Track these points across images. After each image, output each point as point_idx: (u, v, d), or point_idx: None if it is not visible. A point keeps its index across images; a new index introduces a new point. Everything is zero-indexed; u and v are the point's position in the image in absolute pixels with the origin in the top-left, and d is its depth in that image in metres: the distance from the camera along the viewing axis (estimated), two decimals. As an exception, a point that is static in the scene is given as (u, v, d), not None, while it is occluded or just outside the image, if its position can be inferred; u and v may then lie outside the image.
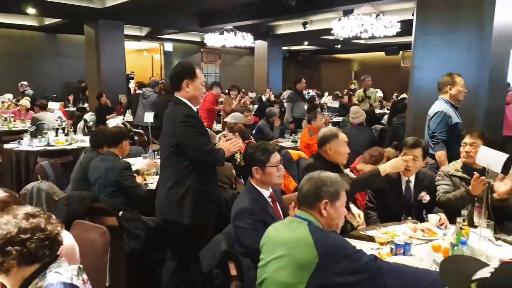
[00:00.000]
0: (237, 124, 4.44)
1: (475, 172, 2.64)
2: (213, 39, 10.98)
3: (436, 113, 3.65)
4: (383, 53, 16.71)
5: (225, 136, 3.84)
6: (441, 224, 2.69)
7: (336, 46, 16.33)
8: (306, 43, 15.56)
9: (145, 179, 3.84)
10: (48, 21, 12.18)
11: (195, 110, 2.79)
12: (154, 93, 7.92)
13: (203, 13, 11.30)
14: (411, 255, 2.23)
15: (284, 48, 16.10)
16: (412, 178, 3.02)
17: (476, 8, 4.20)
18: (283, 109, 8.76)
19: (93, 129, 8.66)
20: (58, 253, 1.48)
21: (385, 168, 2.72)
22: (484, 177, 2.59)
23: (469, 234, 2.28)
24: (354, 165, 5.06)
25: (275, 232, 1.90)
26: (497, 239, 2.51)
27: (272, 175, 2.41)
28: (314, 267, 1.65)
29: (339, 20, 8.40)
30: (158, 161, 4.37)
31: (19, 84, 11.14)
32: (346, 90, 13.22)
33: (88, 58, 10.81)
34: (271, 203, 2.45)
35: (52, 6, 9.41)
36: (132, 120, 8.58)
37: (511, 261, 1.10)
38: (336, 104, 10.49)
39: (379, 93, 9.55)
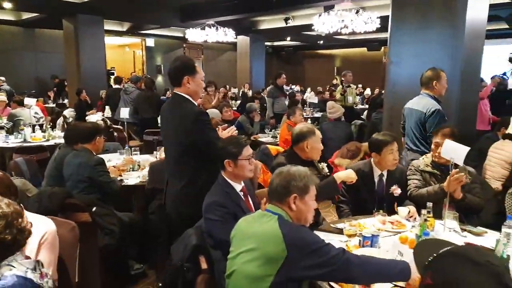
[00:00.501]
0: (213, 120, 4.43)
1: (453, 170, 2.72)
2: (194, 34, 10.90)
3: (434, 111, 3.57)
4: (365, 48, 16.87)
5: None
6: (410, 217, 2.76)
7: (318, 42, 16.39)
8: (288, 38, 15.58)
9: (120, 175, 3.82)
10: (26, 15, 11.94)
11: (196, 105, 2.80)
12: (137, 89, 7.84)
13: (185, 8, 11.22)
14: (379, 247, 2.27)
15: (267, 43, 16.12)
16: (385, 172, 3.08)
17: (448, 5, 4.28)
18: (265, 104, 8.78)
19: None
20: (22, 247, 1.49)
21: (339, 176, 2.82)
22: (462, 174, 2.67)
23: (434, 226, 2.33)
24: (332, 159, 5.13)
25: (245, 225, 1.92)
26: (463, 230, 2.58)
27: (244, 168, 2.43)
28: (282, 261, 1.68)
29: (320, 16, 8.42)
30: (135, 157, 4.38)
31: (-4, 80, 10.92)
32: (328, 86, 13.30)
33: (67, 53, 10.63)
34: (243, 197, 2.47)
35: (29, 0, 9.24)
36: (111, 116, 8.49)
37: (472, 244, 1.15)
38: (316, 100, 10.56)
39: (367, 91, 9.65)
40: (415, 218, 2.72)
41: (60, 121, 8.73)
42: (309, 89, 14.80)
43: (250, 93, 12.20)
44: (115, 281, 3.40)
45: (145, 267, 3.60)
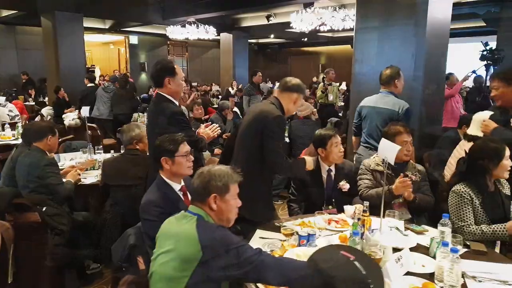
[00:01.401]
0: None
1: (401, 174, 2.75)
2: (175, 32, 10.85)
3: (407, 109, 3.59)
4: (349, 46, 16.88)
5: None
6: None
7: (302, 39, 16.39)
8: (272, 36, 15.57)
9: (79, 174, 3.79)
10: (6, 12, 11.78)
11: (177, 104, 2.99)
12: (116, 87, 7.82)
13: (166, 5, 11.16)
14: (315, 245, 2.28)
15: (252, 41, 16.10)
16: (333, 167, 3.10)
17: (410, 3, 4.29)
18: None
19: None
20: None
21: (308, 160, 2.86)
22: (407, 178, 2.69)
23: (370, 225, 2.35)
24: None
25: (167, 226, 1.92)
26: (406, 228, 2.60)
27: (182, 165, 2.43)
28: (197, 262, 1.68)
29: (297, 13, 8.42)
30: (97, 156, 4.36)
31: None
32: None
33: (46, 51, 10.51)
34: (182, 196, 2.47)
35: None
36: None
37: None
38: None
39: (343, 86, 9.65)
40: (361, 216, 2.74)
41: (38, 119, 8.67)
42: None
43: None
44: (70, 281, 3.40)
45: (102, 267, 3.59)
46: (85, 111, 5.64)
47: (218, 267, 1.68)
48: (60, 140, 6.26)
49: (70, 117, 8.14)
